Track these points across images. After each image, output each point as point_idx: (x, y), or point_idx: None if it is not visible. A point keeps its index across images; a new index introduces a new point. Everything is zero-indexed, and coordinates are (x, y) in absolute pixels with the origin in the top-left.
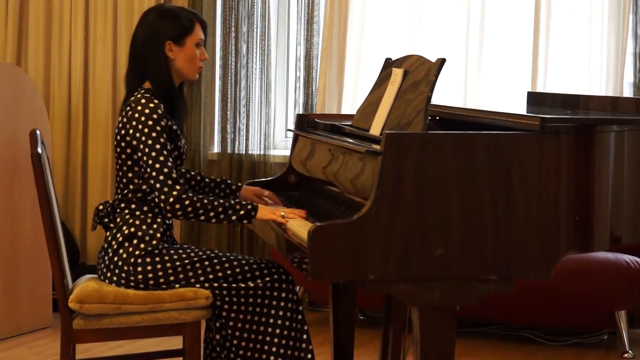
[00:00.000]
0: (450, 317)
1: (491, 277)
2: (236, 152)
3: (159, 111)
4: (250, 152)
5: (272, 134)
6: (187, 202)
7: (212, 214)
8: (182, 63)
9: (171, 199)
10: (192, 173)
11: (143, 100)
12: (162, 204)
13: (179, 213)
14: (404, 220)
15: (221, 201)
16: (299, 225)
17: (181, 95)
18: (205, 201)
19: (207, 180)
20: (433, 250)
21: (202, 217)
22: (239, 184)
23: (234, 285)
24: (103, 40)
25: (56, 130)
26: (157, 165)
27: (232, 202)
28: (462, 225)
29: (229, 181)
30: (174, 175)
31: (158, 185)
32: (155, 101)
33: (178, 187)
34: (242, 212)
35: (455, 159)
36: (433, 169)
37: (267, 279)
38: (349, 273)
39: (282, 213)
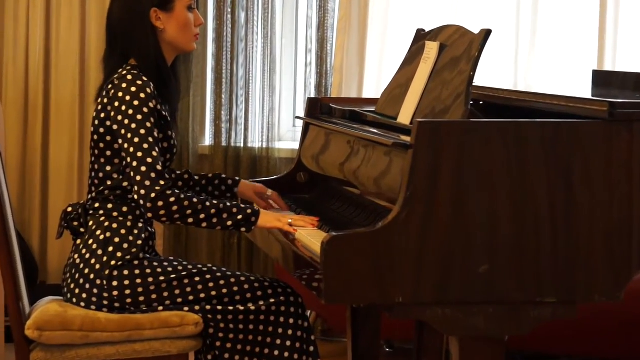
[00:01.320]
0: (498, 349)
1: (548, 299)
2: (232, 145)
3: (148, 90)
4: (250, 145)
5: (277, 123)
6: (172, 200)
7: (202, 215)
8: (174, 32)
9: (153, 195)
10: (178, 172)
11: (129, 77)
12: (141, 201)
13: (162, 213)
14: (440, 229)
15: (215, 202)
16: (311, 236)
17: (174, 76)
18: (195, 200)
19: (196, 177)
20: (476, 267)
21: (190, 220)
22: (236, 178)
23: (230, 308)
24: (69, 7)
25: (10, 119)
26: (140, 154)
27: (229, 203)
28: (512, 235)
29: (223, 175)
30: (159, 168)
31: (138, 178)
32: (144, 78)
33: (162, 181)
34: (239, 217)
35: (504, 154)
36: (476, 166)
37: (272, 300)
38: (372, 294)
39: (290, 220)
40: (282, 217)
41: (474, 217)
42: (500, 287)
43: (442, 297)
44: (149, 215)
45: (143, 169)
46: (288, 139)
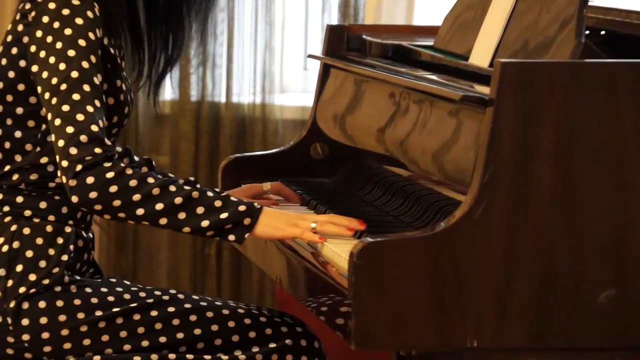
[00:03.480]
0: None
1: None
2: (208, 99)
3: (89, 14)
4: (235, 99)
5: (277, 65)
6: (109, 175)
7: (160, 205)
8: None
9: (79, 167)
10: (137, 159)
11: None
12: (63, 178)
13: (93, 196)
14: (537, 233)
15: (187, 187)
16: (336, 244)
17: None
18: (151, 179)
19: (159, 177)
20: (596, 292)
21: (141, 211)
22: (216, 190)
23: (206, 357)
24: None
25: None
26: (66, 108)
27: (211, 192)
28: None
29: (198, 185)
30: (95, 129)
31: (61, 143)
32: None
33: (98, 149)
34: (224, 216)
35: (638, 112)
36: (594, 132)
37: (272, 345)
38: (429, 336)
39: (314, 224)
40: (299, 218)
41: (591, 213)
42: (633, 324)
43: (542, 339)
44: (74, 200)
45: (69, 129)
46: (296, 89)
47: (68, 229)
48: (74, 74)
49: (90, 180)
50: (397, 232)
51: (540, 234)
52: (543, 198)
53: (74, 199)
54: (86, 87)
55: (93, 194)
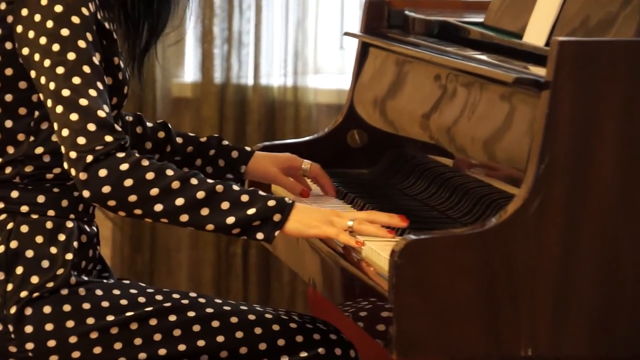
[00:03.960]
0: None
1: None
2: (234, 82)
3: None
4: (263, 81)
5: (311, 44)
6: (124, 167)
7: (181, 200)
8: None
9: (89, 158)
10: (150, 125)
11: None
12: (72, 170)
13: (107, 191)
14: (599, 229)
15: (210, 181)
16: (375, 241)
17: None
18: (171, 172)
19: (178, 140)
20: None
21: (159, 207)
22: (247, 148)
23: None
24: None
25: None
26: (67, 93)
27: (237, 186)
28: None
29: (225, 142)
30: (102, 114)
31: (66, 133)
32: None
33: (109, 137)
34: (251, 212)
35: None
36: None
37: (303, 355)
38: (478, 343)
39: (350, 222)
40: (334, 215)
41: None
42: None
43: (604, 347)
44: (86, 195)
45: (74, 117)
46: (331, 70)
47: (70, 224)
48: (71, 56)
49: (103, 172)
50: (444, 229)
51: (602, 231)
52: (605, 191)
53: (86, 193)
54: (86, 69)
55: (106, 189)
